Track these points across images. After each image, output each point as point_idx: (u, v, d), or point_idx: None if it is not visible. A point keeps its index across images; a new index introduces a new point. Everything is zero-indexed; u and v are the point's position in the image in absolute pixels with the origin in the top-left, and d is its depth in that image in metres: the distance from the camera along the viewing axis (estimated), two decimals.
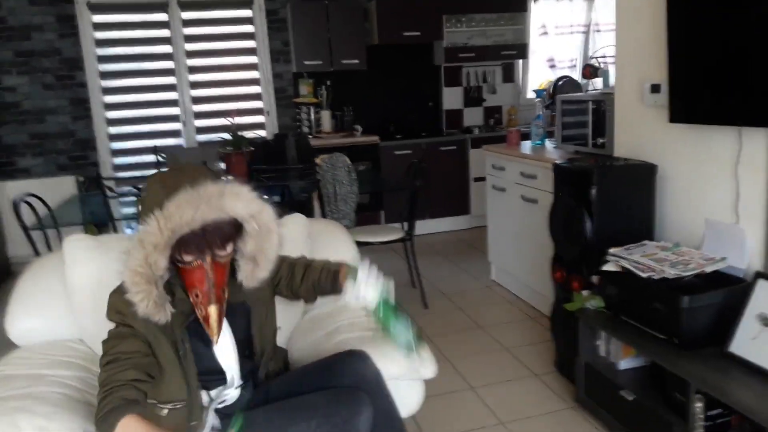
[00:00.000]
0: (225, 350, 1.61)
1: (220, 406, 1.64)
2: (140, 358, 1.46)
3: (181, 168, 1.51)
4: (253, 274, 1.57)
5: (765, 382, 1.85)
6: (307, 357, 1.91)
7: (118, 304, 1.47)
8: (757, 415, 1.72)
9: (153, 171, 4.75)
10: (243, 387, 1.68)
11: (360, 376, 1.62)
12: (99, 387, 1.42)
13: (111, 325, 1.52)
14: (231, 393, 1.65)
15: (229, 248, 1.49)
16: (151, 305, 1.41)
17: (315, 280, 1.74)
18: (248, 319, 1.66)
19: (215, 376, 1.61)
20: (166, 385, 1.53)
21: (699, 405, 1.93)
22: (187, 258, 1.43)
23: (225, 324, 1.57)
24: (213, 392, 1.61)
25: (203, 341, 1.56)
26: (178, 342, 1.52)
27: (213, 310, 1.45)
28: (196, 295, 1.45)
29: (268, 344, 1.73)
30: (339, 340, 1.91)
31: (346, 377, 1.61)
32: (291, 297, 1.80)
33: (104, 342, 1.49)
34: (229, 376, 1.61)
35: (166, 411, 1.53)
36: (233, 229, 1.48)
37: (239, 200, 1.43)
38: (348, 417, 1.48)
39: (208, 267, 1.44)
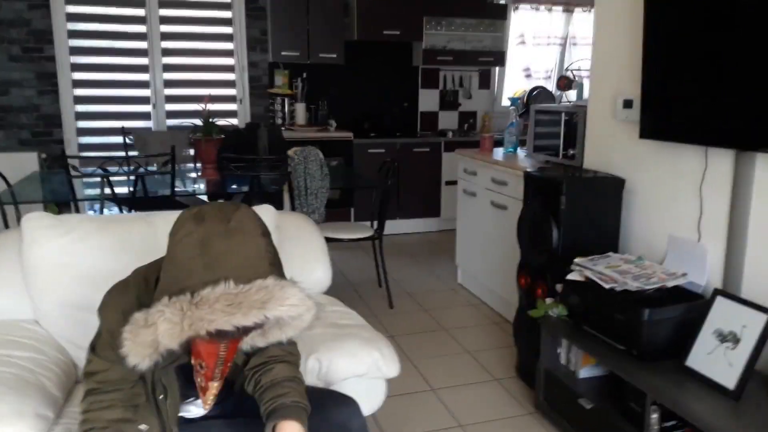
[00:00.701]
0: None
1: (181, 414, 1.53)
2: (127, 390, 1.35)
3: (228, 219, 1.22)
4: (254, 339, 1.36)
5: (718, 396, 1.90)
6: None
7: (111, 308, 1.34)
8: (709, 428, 1.77)
9: (119, 153, 4.64)
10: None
11: (345, 428, 1.50)
12: (80, 416, 1.33)
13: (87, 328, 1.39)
14: (195, 410, 1.55)
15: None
16: (140, 361, 1.22)
17: (260, 387, 1.48)
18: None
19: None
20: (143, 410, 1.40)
21: (655, 416, 1.98)
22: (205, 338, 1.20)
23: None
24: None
25: (188, 387, 1.44)
26: (156, 384, 1.39)
27: (214, 386, 1.32)
28: (200, 365, 1.29)
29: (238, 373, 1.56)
30: (304, 335, 1.88)
31: (328, 425, 1.48)
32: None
33: (90, 356, 1.36)
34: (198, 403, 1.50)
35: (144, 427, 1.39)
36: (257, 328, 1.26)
37: (285, 303, 1.18)
38: None
39: (222, 347, 1.27)
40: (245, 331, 1.20)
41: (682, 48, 2.28)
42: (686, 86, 2.28)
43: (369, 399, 1.89)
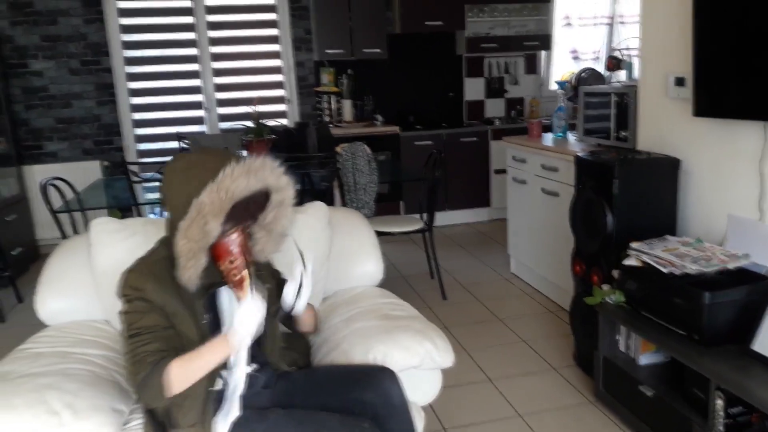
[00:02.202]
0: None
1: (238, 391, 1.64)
2: (161, 332, 1.51)
3: (204, 150, 1.64)
4: (265, 246, 1.65)
5: None
6: (324, 343, 1.94)
7: (135, 280, 1.52)
8: None
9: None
10: (256, 373, 1.68)
11: (386, 396, 1.63)
12: (125, 357, 1.50)
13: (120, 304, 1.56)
14: (238, 374, 1.64)
15: (259, 217, 1.61)
16: (190, 270, 1.48)
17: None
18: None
19: None
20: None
21: (719, 402, 1.92)
22: (227, 227, 1.50)
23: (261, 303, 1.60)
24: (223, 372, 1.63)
25: (214, 319, 1.62)
26: (198, 314, 1.56)
27: (247, 274, 1.52)
28: (230, 262, 1.52)
29: (276, 333, 1.75)
30: (356, 327, 1.92)
31: (371, 393, 1.62)
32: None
33: (123, 316, 1.53)
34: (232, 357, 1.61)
35: None
36: (264, 199, 1.59)
37: (273, 173, 1.56)
38: None
39: (239, 235, 1.53)
40: (257, 208, 1.56)
41: (736, 20, 2.19)
42: (741, 60, 2.19)
43: (424, 389, 1.91)
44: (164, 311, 1.52)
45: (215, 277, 1.56)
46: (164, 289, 1.52)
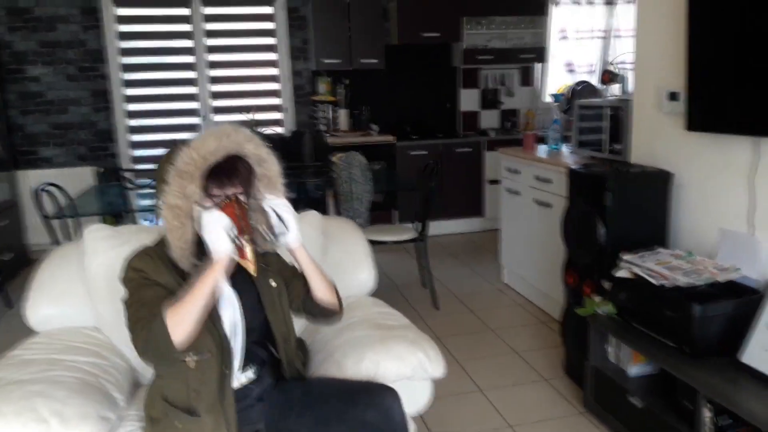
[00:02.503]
0: (229, 321, 1.59)
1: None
2: (162, 299, 1.48)
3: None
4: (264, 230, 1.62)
5: None
6: (317, 353, 1.93)
7: (138, 262, 1.54)
8: (767, 426, 1.72)
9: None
10: (258, 375, 1.67)
11: (387, 415, 1.60)
12: (130, 327, 1.47)
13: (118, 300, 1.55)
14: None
15: (250, 192, 1.58)
16: (183, 245, 1.49)
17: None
18: (259, 302, 1.67)
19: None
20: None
21: (708, 414, 1.93)
22: (216, 191, 1.51)
23: (234, 297, 1.58)
24: None
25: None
26: None
27: (247, 239, 1.50)
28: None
29: (289, 332, 1.73)
30: (348, 336, 1.93)
31: (373, 413, 1.59)
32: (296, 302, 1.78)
33: (127, 295, 1.53)
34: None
35: (193, 363, 1.52)
36: (250, 173, 1.58)
37: (251, 142, 1.57)
38: None
39: (234, 203, 1.51)
40: (243, 176, 1.54)
41: (729, 36, 2.22)
42: (734, 75, 2.22)
43: (415, 399, 1.91)
44: (166, 289, 1.52)
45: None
46: (167, 271, 1.53)
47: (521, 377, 2.99)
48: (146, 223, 4.92)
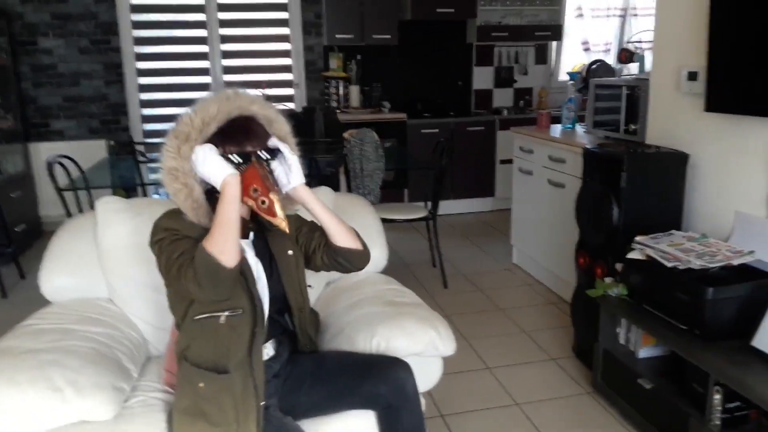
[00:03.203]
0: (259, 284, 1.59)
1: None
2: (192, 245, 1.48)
3: None
4: (279, 174, 1.59)
5: None
6: (328, 328, 1.94)
7: (167, 222, 1.52)
8: None
9: None
10: (276, 350, 1.67)
11: (400, 388, 1.62)
12: (175, 276, 1.46)
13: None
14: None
15: (265, 152, 1.53)
16: (194, 204, 1.48)
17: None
18: (276, 270, 1.65)
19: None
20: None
21: (717, 397, 1.93)
22: (235, 150, 1.49)
23: (259, 266, 1.58)
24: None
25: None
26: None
27: (274, 196, 1.47)
28: (254, 190, 1.47)
29: (304, 301, 1.71)
30: (360, 313, 1.93)
31: (385, 386, 1.61)
32: (311, 257, 1.75)
33: (159, 254, 1.51)
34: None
35: (223, 318, 1.51)
36: (264, 131, 1.56)
37: (255, 103, 1.57)
38: None
39: (255, 163, 1.49)
40: (256, 134, 1.52)
41: (752, 15, 2.17)
42: (757, 56, 2.17)
43: (425, 377, 1.91)
44: (198, 241, 1.48)
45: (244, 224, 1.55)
46: (194, 227, 1.51)
47: (529, 356, 2.99)
48: (157, 197, 4.94)
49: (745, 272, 2.14)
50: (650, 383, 2.28)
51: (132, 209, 2.01)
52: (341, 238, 1.64)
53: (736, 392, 1.87)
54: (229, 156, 1.49)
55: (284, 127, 1.62)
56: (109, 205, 2.01)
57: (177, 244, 1.48)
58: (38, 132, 5.26)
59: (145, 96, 5.49)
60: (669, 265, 2.18)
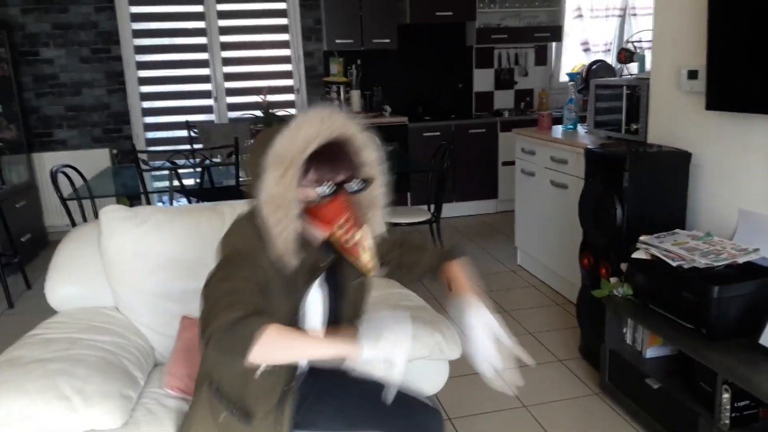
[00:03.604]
0: (313, 313, 1.48)
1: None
2: (256, 289, 1.30)
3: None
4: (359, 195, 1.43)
5: None
6: None
7: (240, 242, 1.36)
8: None
9: (185, 146, 4.82)
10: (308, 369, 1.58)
11: None
12: (209, 300, 1.26)
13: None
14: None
15: (357, 181, 1.37)
16: (289, 236, 1.31)
17: (420, 272, 1.70)
18: (338, 297, 1.53)
19: None
20: None
21: (726, 396, 1.92)
22: (328, 177, 1.32)
23: (320, 300, 1.48)
24: None
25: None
26: (299, 300, 1.41)
27: (363, 234, 1.34)
28: (340, 227, 1.34)
29: (357, 324, 1.55)
30: (365, 317, 1.92)
31: (413, 430, 1.51)
32: (396, 273, 1.70)
33: (217, 270, 1.33)
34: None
35: (258, 372, 1.39)
36: (355, 158, 1.38)
37: (349, 125, 1.38)
38: None
39: (344, 195, 1.34)
40: (350, 162, 1.36)
41: (752, 12, 2.17)
42: (757, 53, 2.17)
43: (431, 380, 1.92)
44: (264, 272, 1.33)
45: (318, 260, 1.42)
46: (266, 264, 1.33)
47: (536, 358, 2.95)
48: (161, 205, 4.95)
49: (751, 270, 2.13)
50: (658, 383, 2.27)
51: (136, 217, 2.01)
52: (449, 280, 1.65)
53: (745, 391, 1.86)
54: (323, 180, 1.33)
55: (372, 154, 1.42)
56: (112, 214, 2.01)
57: (236, 269, 1.31)
58: (41, 142, 5.28)
59: (147, 104, 5.51)
60: (674, 264, 2.18)
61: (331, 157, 1.33)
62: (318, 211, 1.35)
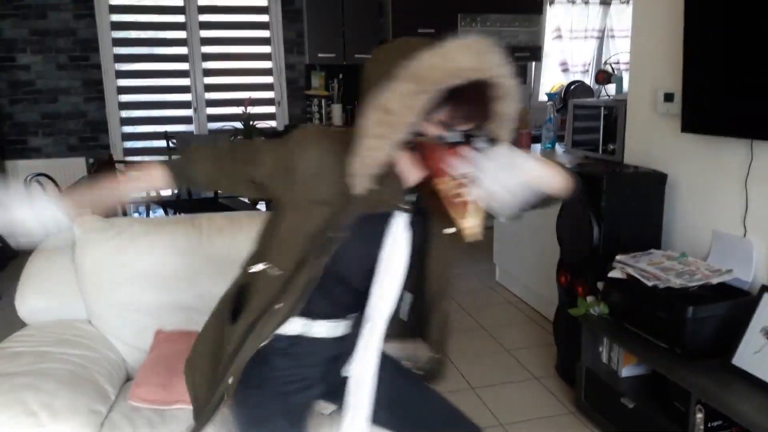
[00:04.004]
0: (395, 258, 1.26)
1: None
2: (240, 176, 1.24)
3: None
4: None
5: (767, 395, 1.85)
6: None
7: (304, 136, 1.21)
8: (757, 429, 1.73)
9: (164, 157, 4.77)
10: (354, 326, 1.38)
11: None
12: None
13: None
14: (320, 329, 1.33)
15: (484, 138, 1.14)
16: (377, 158, 1.10)
17: None
18: (423, 253, 1.32)
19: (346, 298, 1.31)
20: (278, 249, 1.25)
21: (699, 416, 1.94)
22: (458, 122, 1.11)
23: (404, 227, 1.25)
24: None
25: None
26: (337, 231, 1.19)
27: (476, 194, 1.12)
28: (454, 179, 1.12)
29: (445, 287, 1.40)
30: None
31: None
32: None
33: (256, 143, 1.28)
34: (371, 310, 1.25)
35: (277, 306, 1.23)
36: (495, 109, 1.17)
37: (503, 66, 1.13)
38: None
39: (467, 147, 1.12)
40: (487, 110, 1.15)
41: (725, 38, 2.22)
42: (730, 78, 2.22)
43: None
44: (298, 195, 1.18)
45: (398, 201, 1.23)
46: (331, 179, 1.17)
47: (513, 376, 2.99)
48: (137, 215, 4.88)
49: (724, 291, 2.17)
50: (633, 402, 2.28)
51: (111, 228, 1.98)
52: (556, 187, 1.34)
53: (718, 411, 1.88)
54: (449, 121, 1.11)
55: (513, 105, 1.17)
56: (88, 225, 1.98)
57: (260, 150, 1.22)
58: (15, 149, 5.18)
59: (125, 113, 5.45)
60: (649, 284, 2.21)
61: (472, 101, 1.12)
62: (431, 153, 1.13)
